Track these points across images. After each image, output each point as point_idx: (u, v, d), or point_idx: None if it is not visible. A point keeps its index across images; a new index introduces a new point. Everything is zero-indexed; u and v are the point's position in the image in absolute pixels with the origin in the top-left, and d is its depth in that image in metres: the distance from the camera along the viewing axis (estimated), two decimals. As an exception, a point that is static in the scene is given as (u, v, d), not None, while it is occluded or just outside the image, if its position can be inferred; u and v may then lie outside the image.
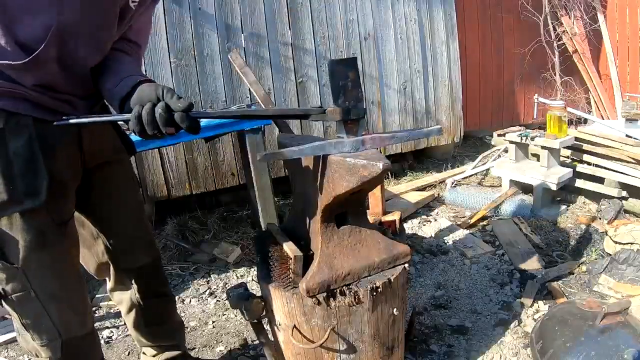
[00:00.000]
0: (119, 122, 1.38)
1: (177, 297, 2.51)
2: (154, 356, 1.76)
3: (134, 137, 1.49)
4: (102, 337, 2.21)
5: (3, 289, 1.22)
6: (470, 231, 3.04)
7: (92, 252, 1.52)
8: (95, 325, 1.48)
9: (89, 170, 1.35)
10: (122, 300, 1.64)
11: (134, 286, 1.58)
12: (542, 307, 2.20)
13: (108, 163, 1.41)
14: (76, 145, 1.28)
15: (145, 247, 1.58)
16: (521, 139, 3.34)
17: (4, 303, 1.26)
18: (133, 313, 1.64)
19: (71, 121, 1.14)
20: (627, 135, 3.48)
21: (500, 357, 1.92)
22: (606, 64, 5.26)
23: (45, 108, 1.17)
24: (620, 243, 2.56)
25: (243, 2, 3.36)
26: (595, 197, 3.21)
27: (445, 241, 2.93)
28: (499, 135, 3.65)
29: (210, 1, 3.25)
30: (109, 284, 1.64)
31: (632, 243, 2.52)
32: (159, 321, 1.69)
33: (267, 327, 1.63)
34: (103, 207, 1.43)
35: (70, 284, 1.30)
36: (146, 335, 1.71)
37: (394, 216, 2.61)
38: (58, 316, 1.27)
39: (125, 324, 1.91)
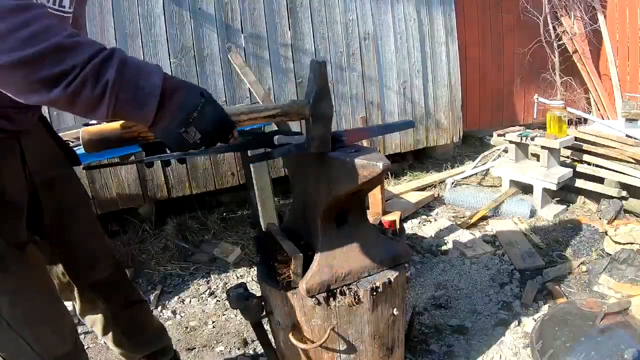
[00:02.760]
0: (59, 133, 1.41)
1: (177, 297, 2.51)
2: None
3: (80, 150, 1.46)
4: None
5: None
6: (470, 231, 3.04)
7: (52, 274, 1.45)
8: (80, 338, 1.43)
9: (35, 189, 1.26)
10: (95, 321, 1.58)
11: (104, 300, 1.53)
12: (542, 307, 2.20)
13: (53, 179, 1.33)
14: (19, 160, 1.19)
15: (105, 259, 1.53)
16: (521, 139, 3.35)
17: None
18: (110, 330, 1.59)
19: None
20: (627, 135, 3.48)
21: (500, 357, 1.92)
22: (606, 63, 5.26)
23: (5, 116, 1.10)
24: (620, 243, 2.56)
25: (243, 2, 3.37)
26: (595, 197, 3.21)
27: (445, 241, 2.93)
28: (498, 135, 3.65)
29: (210, 1, 3.25)
30: (77, 308, 1.56)
31: (632, 243, 2.52)
32: (139, 330, 1.64)
33: (267, 327, 1.63)
34: (57, 228, 1.36)
35: (43, 304, 1.24)
36: (131, 348, 1.66)
37: (394, 216, 2.62)
38: (35, 340, 1.20)
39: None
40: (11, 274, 1.14)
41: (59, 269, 1.44)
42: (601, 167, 3.19)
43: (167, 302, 2.48)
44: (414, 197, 3.53)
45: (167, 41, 3.17)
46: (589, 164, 3.29)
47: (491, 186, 3.75)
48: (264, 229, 1.72)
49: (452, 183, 3.74)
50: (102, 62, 0.85)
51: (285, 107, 1.14)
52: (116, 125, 1.06)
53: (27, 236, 1.22)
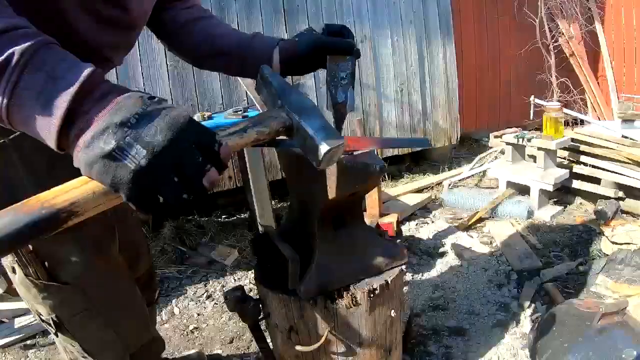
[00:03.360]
0: None
1: (174, 300, 2.51)
2: None
3: None
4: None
5: (57, 317, 1.09)
6: (468, 233, 3.04)
7: None
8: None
9: None
10: None
11: None
12: (540, 307, 2.20)
13: None
14: None
15: (146, 252, 1.51)
16: (518, 141, 3.35)
17: (59, 335, 1.13)
18: None
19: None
20: (623, 136, 3.49)
21: (499, 358, 1.91)
22: (602, 65, 5.28)
23: None
24: (617, 243, 2.57)
25: (240, 3, 3.37)
26: (592, 197, 3.22)
27: (443, 243, 2.93)
28: (495, 136, 3.66)
29: (207, 3, 3.25)
30: None
31: (629, 243, 2.52)
32: None
33: (264, 329, 1.62)
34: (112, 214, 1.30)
35: (128, 286, 1.21)
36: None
37: (392, 218, 2.62)
38: (124, 326, 1.17)
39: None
40: (105, 257, 1.12)
41: None
42: (598, 167, 3.20)
43: (164, 304, 2.47)
44: (412, 199, 3.54)
45: (164, 44, 3.17)
46: (585, 164, 3.30)
47: (488, 187, 3.75)
48: (261, 232, 1.72)
49: (450, 185, 3.75)
50: (15, 36, 0.61)
51: (256, 117, 0.84)
52: None
53: None
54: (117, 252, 1.19)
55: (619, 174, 3.07)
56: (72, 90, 0.59)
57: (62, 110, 0.59)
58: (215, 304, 2.47)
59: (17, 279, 1.07)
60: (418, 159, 4.53)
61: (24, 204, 0.60)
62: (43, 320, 1.12)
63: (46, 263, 1.05)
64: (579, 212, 3.22)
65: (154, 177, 0.59)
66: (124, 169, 0.58)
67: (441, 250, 2.84)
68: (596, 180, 3.19)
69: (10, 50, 0.59)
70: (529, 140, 3.27)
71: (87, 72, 0.61)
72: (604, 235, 2.73)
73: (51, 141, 0.61)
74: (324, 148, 0.79)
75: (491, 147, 4.10)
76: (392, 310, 1.42)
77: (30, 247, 1.02)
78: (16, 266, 1.05)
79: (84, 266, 1.07)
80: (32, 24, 0.75)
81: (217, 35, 1.20)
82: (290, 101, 0.86)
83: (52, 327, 1.11)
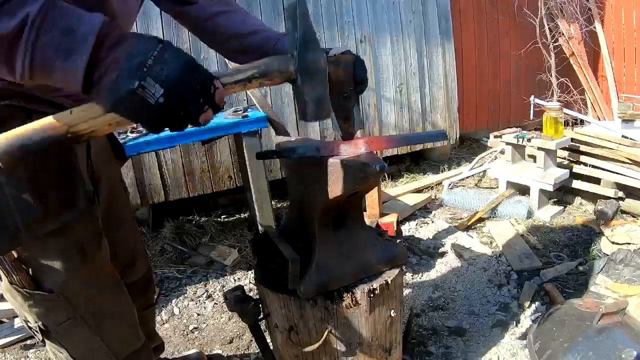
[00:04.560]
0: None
1: (174, 300, 2.51)
2: None
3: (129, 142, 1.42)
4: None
5: (43, 325, 1.09)
6: (468, 233, 3.04)
7: None
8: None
9: (94, 184, 1.19)
10: None
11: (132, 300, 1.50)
12: (540, 308, 2.20)
13: (106, 175, 1.28)
14: (85, 148, 1.14)
15: (143, 257, 1.52)
16: (517, 141, 3.35)
17: (46, 342, 1.12)
18: None
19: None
20: (623, 136, 3.49)
21: (498, 358, 1.92)
22: (602, 65, 5.28)
23: (58, 105, 0.97)
24: (617, 243, 2.56)
25: (240, 4, 3.36)
26: (592, 197, 3.22)
27: (443, 243, 2.93)
28: (495, 136, 3.66)
29: (206, 4, 3.25)
30: None
31: (629, 243, 2.52)
32: (148, 333, 1.60)
33: (264, 329, 1.62)
34: (105, 222, 1.25)
35: (116, 294, 1.20)
36: None
37: (391, 218, 2.62)
38: (112, 334, 1.16)
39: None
40: (90, 265, 1.10)
41: None
42: (598, 167, 3.20)
43: (164, 304, 2.48)
44: (411, 199, 3.54)
45: (164, 44, 3.17)
46: (585, 164, 3.30)
47: (488, 188, 3.75)
48: (261, 232, 1.72)
49: (449, 185, 3.75)
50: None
51: (263, 66, 0.89)
52: (31, 125, 0.76)
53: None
54: (106, 258, 1.17)
55: (619, 174, 3.07)
56: (90, 40, 0.67)
57: (84, 60, 0.67)
58: (215, 304, 2.47)
59: (3, 286, 1.07)
60: (418, 159, 4.53)
61: (47, 123, 0.73)
62: (30, 328, 1.11)
63: (30, 271, 1.04)
64: (579, 212, 3.22)
65: (167, 112, 0.71)
66: (146, 104, 0.69)
67: (441, 250, 2.84)
68: (596, 180, 3.19)
69: (24, 13, 0.66)
70: (528, 140, 3.27)
71: (99, 22, 0.69)
72: (604, 235, 2.73)
73: (77, 87, 0.70)
74: (309, 118, 0.97)
75: (491, 147, 4.11)
76: (392, 310, 1.42)
77: (15, 254, 1.01)
78: (1, 273, 1.04)
79: (67, 274, 1.05)
80: None
81: (244, 34, 1.25)
82: (304, 60, 0.93)
83: (39, 334, 1.10)
